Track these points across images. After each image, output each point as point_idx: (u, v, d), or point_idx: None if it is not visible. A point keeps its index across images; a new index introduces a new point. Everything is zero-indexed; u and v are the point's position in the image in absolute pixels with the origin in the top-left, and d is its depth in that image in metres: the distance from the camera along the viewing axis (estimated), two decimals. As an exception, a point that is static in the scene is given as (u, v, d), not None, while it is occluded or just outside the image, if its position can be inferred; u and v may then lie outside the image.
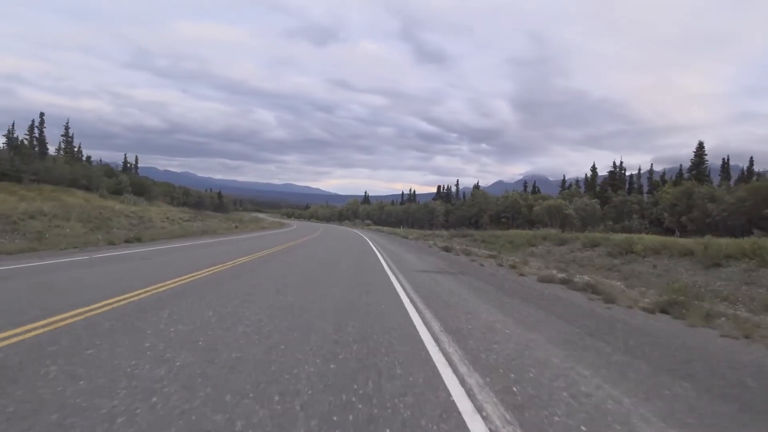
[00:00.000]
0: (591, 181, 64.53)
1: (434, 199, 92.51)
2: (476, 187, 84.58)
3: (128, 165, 69.14)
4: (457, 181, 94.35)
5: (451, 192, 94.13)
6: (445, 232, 54.90)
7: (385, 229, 62.30)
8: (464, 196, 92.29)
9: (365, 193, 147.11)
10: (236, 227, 37.96)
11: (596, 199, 56.91)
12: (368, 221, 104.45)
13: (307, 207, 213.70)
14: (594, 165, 66.05)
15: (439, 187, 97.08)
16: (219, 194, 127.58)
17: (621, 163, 63.05)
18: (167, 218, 45.68)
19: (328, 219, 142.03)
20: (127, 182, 54.79)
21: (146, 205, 49.24)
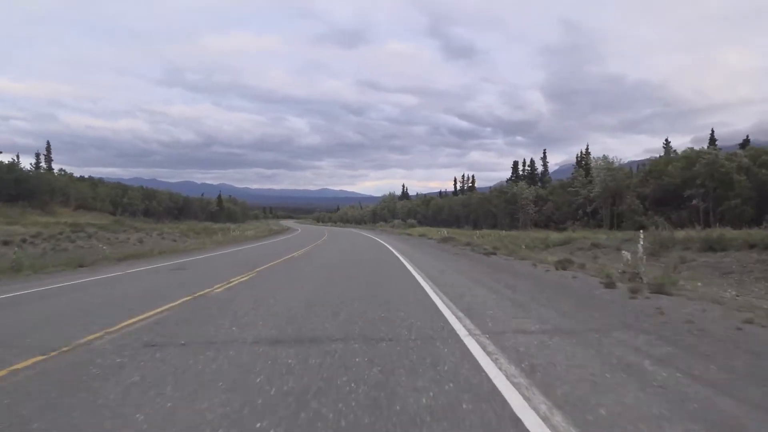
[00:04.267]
0: None
1: (511, 180, 59.99)
2: (582, 156, 51.69)
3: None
4: (544, 152, 60.81)
5: (535, 171, 61.07)
6: (638, 242, 23.90)
7: (456, 234, 30.62)
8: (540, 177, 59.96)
9: (403, 186, 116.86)
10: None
11: None
12: (412, 220, 74.00)
13: (337, 209, 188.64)
14: None
15: (515, 164, 64.02)
16: (219, 199, 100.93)
17: None
18: None
19: (359, 221, 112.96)
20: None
21: None
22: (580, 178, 46.19)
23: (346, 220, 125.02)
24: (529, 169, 61.26)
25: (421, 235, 31.12)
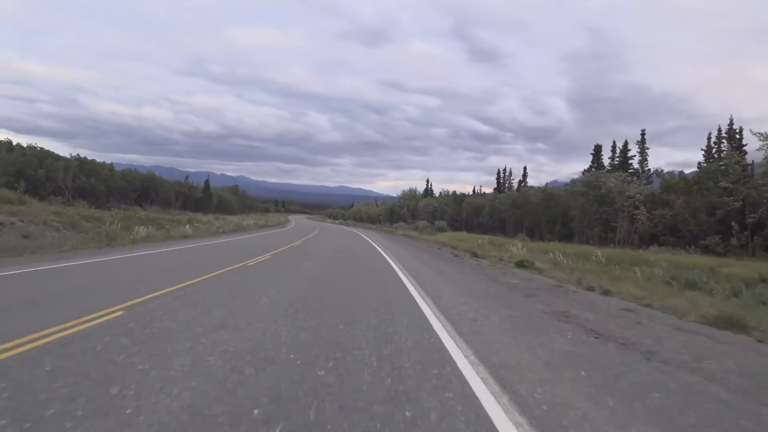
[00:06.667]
0: None
1: (593, 169, 40.96)
2: (723, 134, 33.25)
3: None
4: (642, 134, 41.72)
5: (627, 158, 41.93)
6: None
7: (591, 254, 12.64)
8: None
9: (427, 181, 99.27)
10: None
11: None
12: (441, 222, 56.45)
13: (351, 206, 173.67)
14: None
15: (596, 149, 44.43)
16: (206, 185, 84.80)
17: None
18: None
19: (373, 220, 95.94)
20: None
21: None
22: (736, 166, 27.71)
23: (359, 219, 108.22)
24: (620, 158, 41.94)
25: (521, 265, 13.07)
